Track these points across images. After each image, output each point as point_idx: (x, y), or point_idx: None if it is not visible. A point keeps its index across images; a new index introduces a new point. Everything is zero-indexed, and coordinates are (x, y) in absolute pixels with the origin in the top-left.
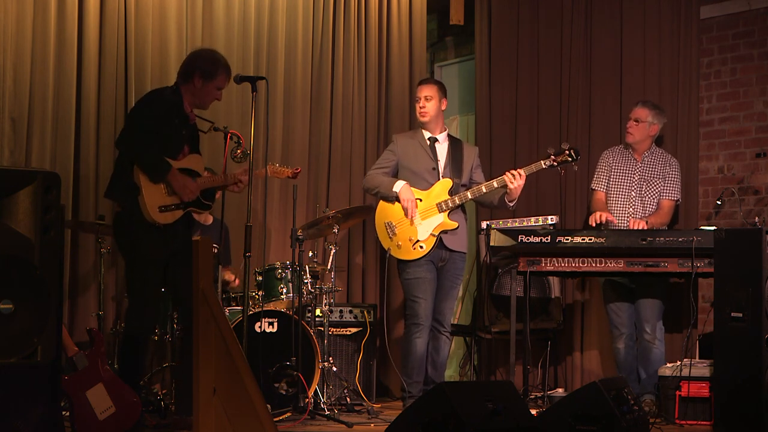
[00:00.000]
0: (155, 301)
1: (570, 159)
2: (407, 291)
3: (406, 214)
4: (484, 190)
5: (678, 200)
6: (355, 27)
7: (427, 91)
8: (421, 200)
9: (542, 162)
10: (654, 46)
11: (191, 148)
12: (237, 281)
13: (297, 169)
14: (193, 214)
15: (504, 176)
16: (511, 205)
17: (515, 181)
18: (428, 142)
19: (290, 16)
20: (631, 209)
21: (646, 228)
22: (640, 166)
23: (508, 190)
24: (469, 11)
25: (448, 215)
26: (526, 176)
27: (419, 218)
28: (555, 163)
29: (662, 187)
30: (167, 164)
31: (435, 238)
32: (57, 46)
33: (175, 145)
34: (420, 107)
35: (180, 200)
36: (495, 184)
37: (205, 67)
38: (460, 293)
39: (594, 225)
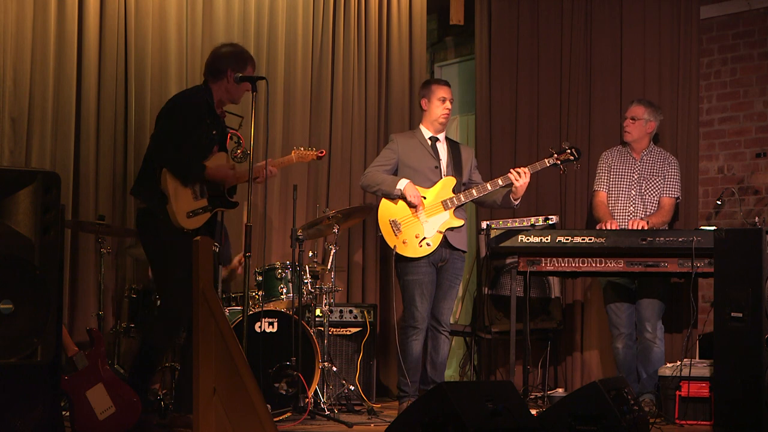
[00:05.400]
0: (189, 304)
1: (572, 158)
2: (405, 292)
3: (414, 210)
4: (490, 188)
5: (678, 198)
6: (355, 27)
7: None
8: (425, 198)
9: (546, 160)
10: (654, 46)
11: (220, 146)
12: (240, 269)
13: (321, 152)
14: None
15: (509, 174)
16: (516, 203)
17: (521, 179)
18: (429, 142)
19: (290, 16)
20: (632, 207)
21: (646, 228)
22: (639, 165)
23: (513, 189)
24: (469, 11)
25: (453, 213)
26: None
27: (425, 215)
28: (558, 162)
29: (662, 185)
30: (201, 166)
31: (441, 236)
32: (57, 46)
33: (207, 147)
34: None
35: (207, 203)
36: (500, 182)
37: (235, 61)
38: (460, 293)
39: None
